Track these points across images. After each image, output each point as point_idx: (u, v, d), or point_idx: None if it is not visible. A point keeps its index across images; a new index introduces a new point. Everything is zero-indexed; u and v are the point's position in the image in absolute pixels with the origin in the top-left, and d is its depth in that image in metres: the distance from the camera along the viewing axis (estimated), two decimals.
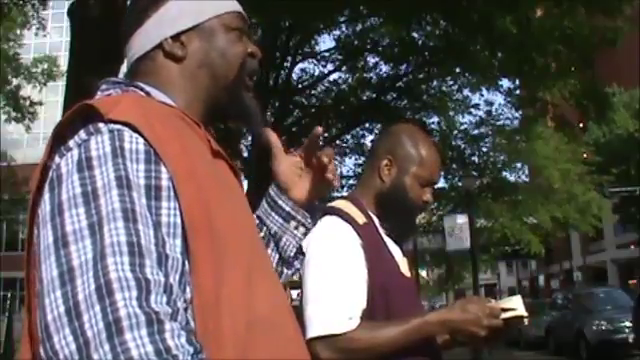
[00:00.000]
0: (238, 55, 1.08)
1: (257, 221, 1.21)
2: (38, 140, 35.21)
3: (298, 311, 1.38)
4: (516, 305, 1.54)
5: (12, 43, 22.18)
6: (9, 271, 27.54)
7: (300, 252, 1.28)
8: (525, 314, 1.54)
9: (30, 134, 28.20)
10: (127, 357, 0.72)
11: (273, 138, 1.22)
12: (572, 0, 8.99)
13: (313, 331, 1.43)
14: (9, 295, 19.91)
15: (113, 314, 0.73)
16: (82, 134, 0.87)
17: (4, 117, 24.14)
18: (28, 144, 35.48)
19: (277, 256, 1.24)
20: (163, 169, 0.86)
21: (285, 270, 1.26)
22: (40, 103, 24.51)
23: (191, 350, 0.76)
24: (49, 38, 27.65)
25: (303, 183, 1.24)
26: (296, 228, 1.25)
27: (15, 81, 23.66)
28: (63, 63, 21.27)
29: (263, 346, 0.89)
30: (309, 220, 1.26)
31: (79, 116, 0.89)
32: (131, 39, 1.06)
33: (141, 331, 0.73)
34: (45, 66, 25.44)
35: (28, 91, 25.00)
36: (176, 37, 1.04)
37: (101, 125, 0.87)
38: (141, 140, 0.86)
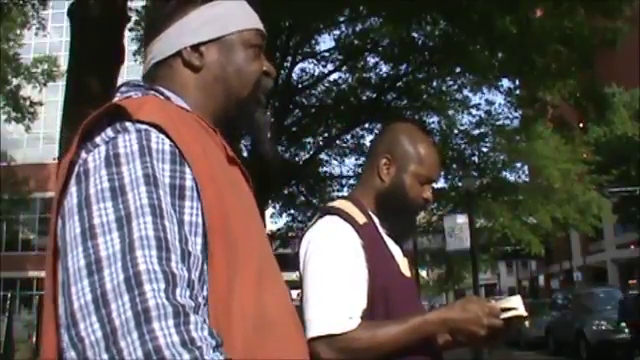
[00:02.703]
0: (254, 73, 1.09)
1: None
2: (38, 140, 35.19)
3: (298, 311, 1.38)
4: (516, 304, 1.54)
5: (12, 43, 22.18)
6: (9, 271, 27.52)
7: None
8: (525, 314, 1.54)
9: (30, 134, 28.16)
10: (155, 345, 0.74)
11: None
12: (572, 0, 8.99)
13: (314, 331, 1.43)
14: (9, 295, 19.89)
15: (142, 304, 0.76)
16: (109, 132, 0.90)
17: (4, 117, 24.14)
18: (28, 144, 35.42)
19: None
20: (187, 170, 0.89)
21: None
22: (40, 103, 24.51)
23: (213, 343, 0.79)
24: (49, 38, 27.63)
25: None
26: None
27: (15, 81, 23.65)
28: (63, 63, 21.20)
29: (270, 346, 0.92)
30: None
31: (107, 115, 0.92)
32: (152, 43, 1.08)
33: (168, 321, 0.76)
34: (45, 66, 25.41)
35: (28, 91, 24.97)
36: (196, 47, 1.06)
37: (128, 124, 0.90)
38: (167, 141, 0.89)
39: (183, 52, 1.05)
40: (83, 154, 0.90)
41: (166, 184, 0.87)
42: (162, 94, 1.03)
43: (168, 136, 0.89)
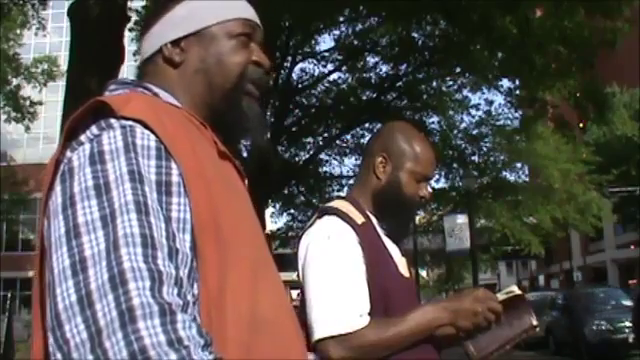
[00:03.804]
0: (237, 63, 1.07)
1: None
2: (38, 140, 35.13)
3: (299, 312, 1.37)
4: (511, 289, 1.62)
5: (12, 43, 22.18)
6: (9, 271, 27.50)
7: None
8: (519, 292, 1.61)
9: (30, 134, 28.17)
10: (140, 345, 0.72)
11: None
12: (572, 0, 8.99)
13: (323, 331, 1.43)
14: (9, 295, 19.87)
15: (126, 303, 0.74)
16: (94, 129, 0.89)
17: (4, 117, 24.13)
18: (28, 144, 35.37)
19: None
20: (174, 165, 0.88)
21: None
22: (40, 103, 24.51)
23: (201, 342, 0.77)
24: (49, 38, 27.61)
25: None
26: None
27: (15, 81, 23.64)
28: (63, 63, 21.19)
29: (265, 345, 0.90)
30: None
31: (91, 112, 0.90)
32: (142, 41, 1.09)
33: (154, 320, 0.74)
34: (45, 66, 25.42)
35: (28, 91, 24.96)
36: (176, 42, 1.05)
37: (113, 121, 0.88)
38: (152, 137, 0.88)
39: (163, 49, 1.05)
40: (68, 153, 0.89)
41: (152, 180, 0.85)
42: (150, 90, 1.02)
43: (153, 132, 0.88)
